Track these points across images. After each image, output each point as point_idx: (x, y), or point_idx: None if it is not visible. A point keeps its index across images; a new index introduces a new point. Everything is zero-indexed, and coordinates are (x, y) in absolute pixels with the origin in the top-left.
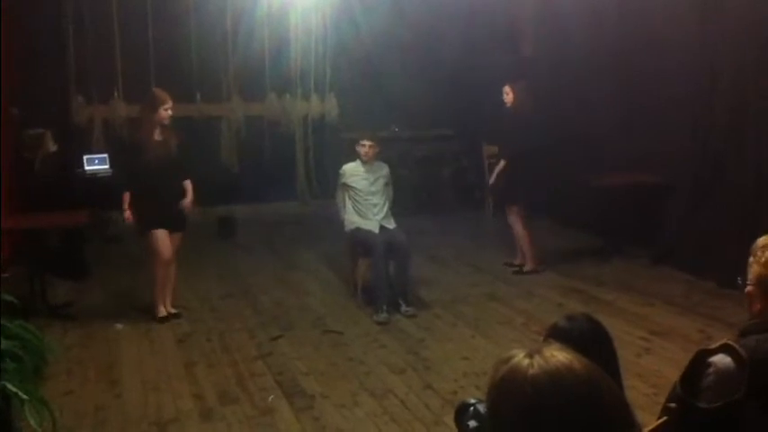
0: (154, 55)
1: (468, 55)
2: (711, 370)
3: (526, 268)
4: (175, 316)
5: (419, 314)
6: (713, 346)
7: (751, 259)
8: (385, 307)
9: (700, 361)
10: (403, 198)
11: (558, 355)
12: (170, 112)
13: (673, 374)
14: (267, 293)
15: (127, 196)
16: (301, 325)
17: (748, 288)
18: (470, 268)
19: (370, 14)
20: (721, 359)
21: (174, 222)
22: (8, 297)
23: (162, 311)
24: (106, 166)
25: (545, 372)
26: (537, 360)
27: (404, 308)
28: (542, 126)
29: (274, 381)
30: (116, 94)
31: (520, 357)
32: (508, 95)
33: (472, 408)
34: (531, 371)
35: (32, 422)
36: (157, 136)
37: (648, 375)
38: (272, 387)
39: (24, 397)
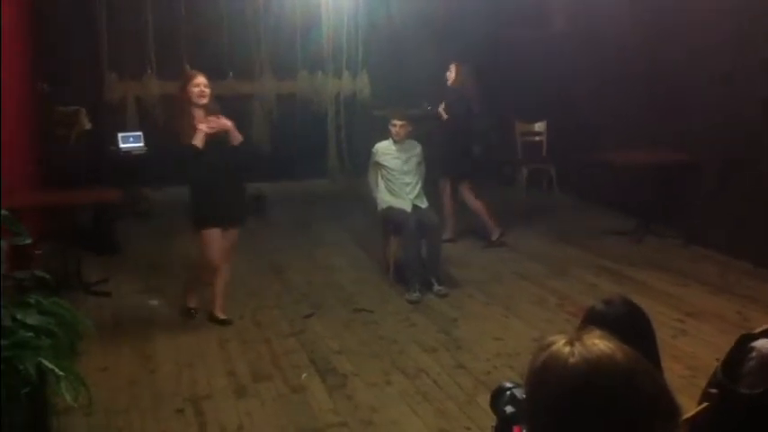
0: (186, 32)
1: (499, 30)
2: (754, 355)
3: (493, 238)
4: (223, 322)
5: (451, 293)
6: (756, 330)
7: None
8: (417, 286)
9: (742, 346)
10: (434, 176)
11: (600, 344)
12: (200, 88)
13: (709, 356)
14: (298, 271)
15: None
16: (332, 303)
17: None
18: (502, 247)
19: None
20: (764, 344)
21: (229, 217)
22: (42, 274)
23: (191, 302)
24: (140, 144)
25: (586, 361)
26: (578, 348)
27: (436, 287)
28: (479, 109)
29: (307, 359)
30: (149, 70)
31: (560, 344)
32: (451, 74)
33: (509, 392)
34: (571, 359)
35: (68, 398)
36: (200, 114)
37: (684, 357)
38: (305, 365)
39: (60, 373)
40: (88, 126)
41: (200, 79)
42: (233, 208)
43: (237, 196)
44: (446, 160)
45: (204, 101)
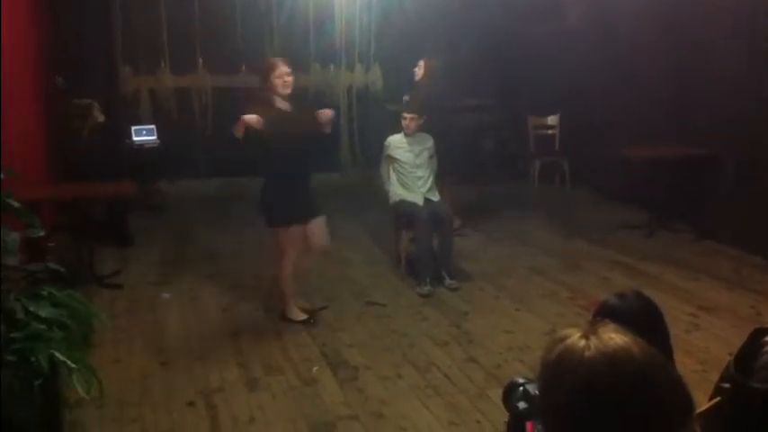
0: (199, 26)
1: (513, 25)
2: (767, 349)
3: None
4: (313, 315)
5: (462, 287)
6: None
7: None
8: (428, 279)
9: (755, 340)
10: (446, 169)
11: (616, 338)
12: (285, 78)
13: (722, 351)
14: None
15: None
16: (344, 296)
17: None
18: (514, 240)
19: None
20: None
21: (310, 209)
22: (55, 266)
23: (299, 315)
24: (154, 137)
25: (602, 354)
26: (593, 342)
27: (447, 280)
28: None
29: (318, 352)
30: (163, 64)
31: (575, 338)
32: (419, 69)
33: (522, 388)
34: (587, 353)
35: (80, 390)
36: (282, 106)
37: (697, 351)
38: (316, 358)
39: (72, 365)
40: (101, 119)
41: (284, 68)
42: (311, 201)
43: (311, 190)
44: None
45: (288, 91)
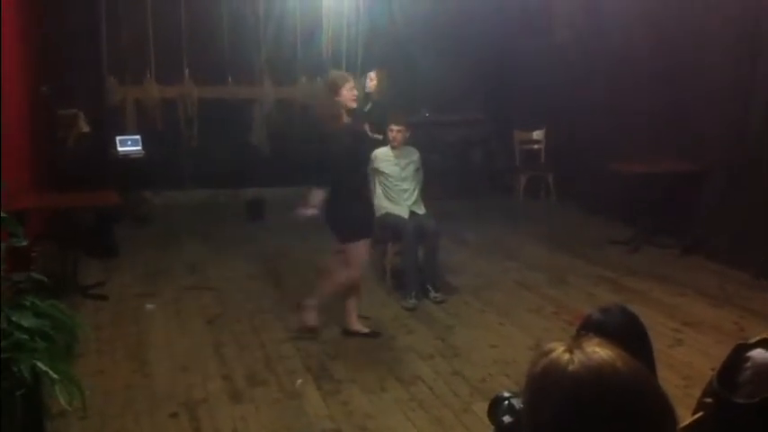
0: (186, 36)
1: (500, 39)
2: (749, 365)
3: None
4: (368, 335)
5: (448, 300)
6: (752, 340)
7: None
8: (414, 293)
9: (737, 355)
10: (432, 182)
11: (601, 352)
12: (355, 92)
13: (705, 366)
14: (295, 276)
15: (319, 194)
16: (329, 309)
17: None
18: (499, 254)
19: None
20: (760, 354)
21: (371, 223)
22: (39, 276)
23: (311, 320)
24: (138, 148)
25: (586, 368)
26: (578, 355)
27: (433, 294)
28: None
29: (302, 364)
30: (149, 74)
31: (560, 351)
32: (372, 81)
33: (507, 402)
34: (571, 366)
35: (63, 401)
36: (348, 119)
37: (680, 367)
38: (300, 370)
39: (55, 376)
40: (86, 129)
41: (353, 83)
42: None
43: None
44: None
45: (355, 105)
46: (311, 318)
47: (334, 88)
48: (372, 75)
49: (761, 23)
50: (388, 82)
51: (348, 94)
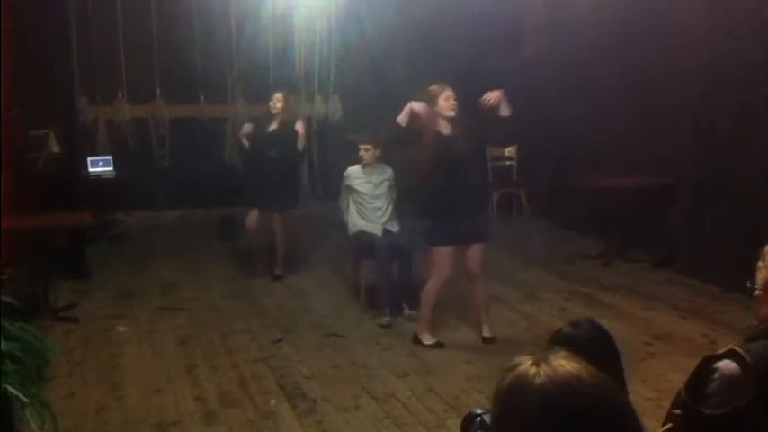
0: (158, 56)
1: (473, 57)
2: (717, 376)
3: (277, 272)
4: (490, 340)
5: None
6: (719, 351)
7: (759, 263)
8: (388, 310)
9: (705, 366)
10: (406, 200)
11: (567, 364)
12: (450, 101)
13: (676, 379)
14: (269, 296)
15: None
16: (303, 327)
17: (757, 292)
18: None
19: (375, 15)
20: (727, 365)
21: (470, 233)
22: (8, 298)
23: (428, 339)
24: (110, 168)
25: (552, 381)
26: (544, 368)
27: (407, 311)
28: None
29: (276, 384)
30: (120, 95)
31: (526, 365)
32: (278, 103)
33: (479, 419)
34: (537, 380)
35: (33, 425)
36: (445, 130)
37: (652, 380)
38: (274, 390)
39: (25, 399)
40: (57, 149)
41: (450, 92)
42: (472, 226)
43: (475, 215)
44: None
45: (452, 114)
46: (427, 337)
47: (433, 98)
48: (279, 96)
49: (727, 39)
50: (293, 105)
51: (445, 104)
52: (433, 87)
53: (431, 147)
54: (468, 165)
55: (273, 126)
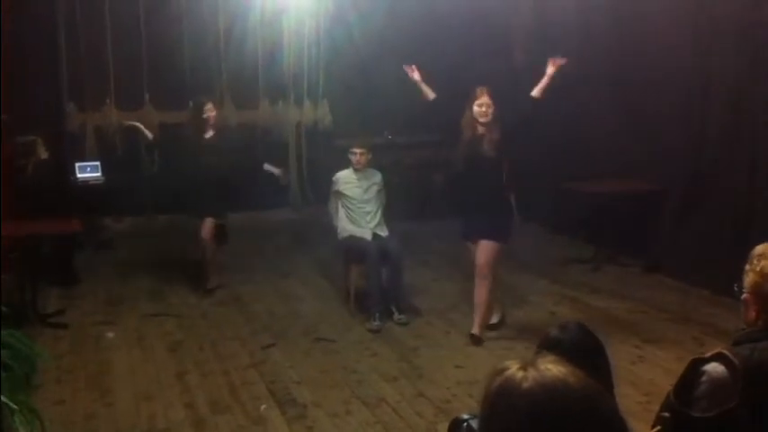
0: (146, 62)
1: (462, 62)
2: (705, 379)
3: (209, 286)
4: (476, 339)
5: (412, 322)
6: (707, 354)
7: (747, 267)
8: (378, 315)
9: (693, 370)
10: (395, 204)
11: (554, 369)
12: (483, 108)
13: (666, 382)
14: (259, 301)
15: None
16: (294, 333)
17: (744, 296)
18: (463, 276)
19: (364, 20)
20: (715, 368)
21: (482, 231)
22: None
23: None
24: (98, 174)
25: (540, 385)
26: (531, 373)
27: (397, 315)
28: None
29: (266, 390)
30: (108, 101)
31: (514, 369)
32: (212, 113)
33: (465, 424)
34: (525, 384)
35: None
36: (480, 131)
37: (642, 383)
38: (264, 396)
39: (14, 407)
40: (45, 155)
41: (484, 99)
42: (488, 224)
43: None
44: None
45: (484, 120)
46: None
47: (470, 101)
48: (211, 106)
49: (715, 43)
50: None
51: (477, 110)
52: (476, 90)
53: (463, 146)
54: (490, 168)
55: (209, 134)
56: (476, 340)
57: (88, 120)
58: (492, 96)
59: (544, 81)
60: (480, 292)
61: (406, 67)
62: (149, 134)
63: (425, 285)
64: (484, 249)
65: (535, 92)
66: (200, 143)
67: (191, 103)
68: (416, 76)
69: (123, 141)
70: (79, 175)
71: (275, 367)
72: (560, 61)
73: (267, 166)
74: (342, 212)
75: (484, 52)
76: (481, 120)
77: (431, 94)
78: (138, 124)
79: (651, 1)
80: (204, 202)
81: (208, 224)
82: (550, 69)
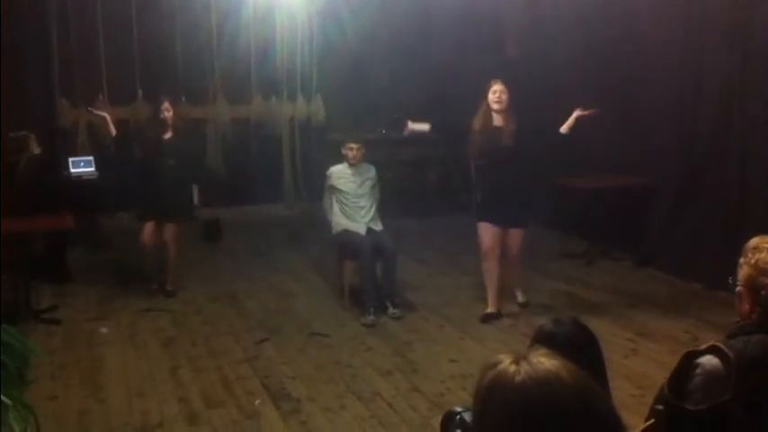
0: (139, 57)
1: (455, 57)
2: (699, 371)
3: (154, 286)
4: (523, 305)
5: (406, 316)
6: (701, 347)
7: (741, 260)
8: (372, 309)
9: (687, 362)
10: (389, 200)
11: (546, 362)
12: (497, 94)
13: (659, 376)
14: (253, 297)
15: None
16: (288, 328)
17: (738, 289)
18: (457, 270)
19: (357, 15)
20: (709, 360)
21: (509, 219)
22: None
23: (490, 308)
24: (91, 169)
25: (532, 379)
26: (524, 367)
27: (391, 310)
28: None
29: (261, 384)
30: (101, 96)
31: (506, 363)
32: (169, 112)
33: (458, 417)
34: (517, 378)
35: (16, 428)
36: (497, 122)
37: (635, 377)
38: (258, 391)
39: (8, 402)
40: (37, 151)
41: (498, 86)
42: (515, 210)
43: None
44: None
45: (497, 107)
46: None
47: (486, 90)
48: (168, 105)
49: (707, 40)
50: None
51: (491, 97)
52: (489, 81)
53: (479, 134)
54: (511, 156)
55: (168, 135)
56: (524, 305)
57: (81, 115)
58: (507, 85)
59: (571, 121)
60: (516, 274)
61: (403, 127)
62: (113, 130)
63: (420, 281)
64: (515, 237)
65: (564, 129)
66: (157, 144)
67: (183, 98)
68: (410, 127)
69: (116, 136)
70: (73, 171)
71: (269, 362)
72: (589, 112)
73: (411, 125)
74: (336, 207)
75: (476, 47)
76: (495, 107)
77: (426, 126)
78: (105, 115)
79: None
80: (152, 204)
81: (149, 228)
82: (578, 113)
